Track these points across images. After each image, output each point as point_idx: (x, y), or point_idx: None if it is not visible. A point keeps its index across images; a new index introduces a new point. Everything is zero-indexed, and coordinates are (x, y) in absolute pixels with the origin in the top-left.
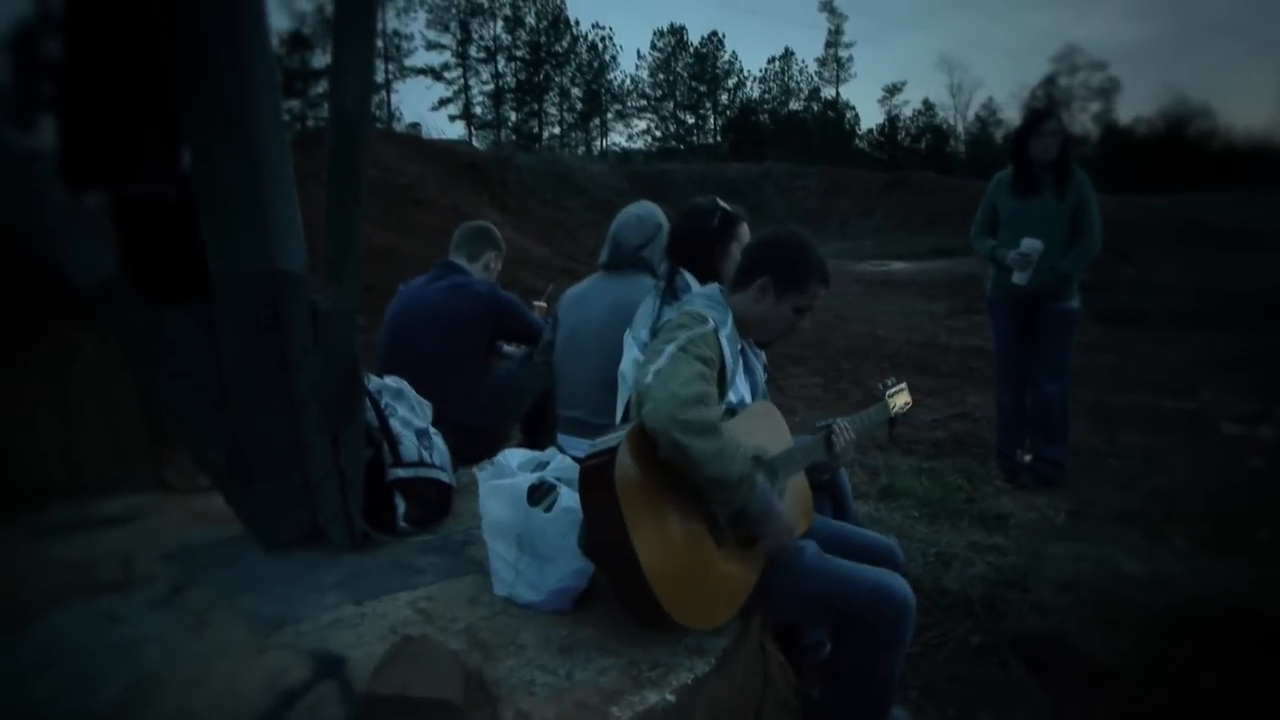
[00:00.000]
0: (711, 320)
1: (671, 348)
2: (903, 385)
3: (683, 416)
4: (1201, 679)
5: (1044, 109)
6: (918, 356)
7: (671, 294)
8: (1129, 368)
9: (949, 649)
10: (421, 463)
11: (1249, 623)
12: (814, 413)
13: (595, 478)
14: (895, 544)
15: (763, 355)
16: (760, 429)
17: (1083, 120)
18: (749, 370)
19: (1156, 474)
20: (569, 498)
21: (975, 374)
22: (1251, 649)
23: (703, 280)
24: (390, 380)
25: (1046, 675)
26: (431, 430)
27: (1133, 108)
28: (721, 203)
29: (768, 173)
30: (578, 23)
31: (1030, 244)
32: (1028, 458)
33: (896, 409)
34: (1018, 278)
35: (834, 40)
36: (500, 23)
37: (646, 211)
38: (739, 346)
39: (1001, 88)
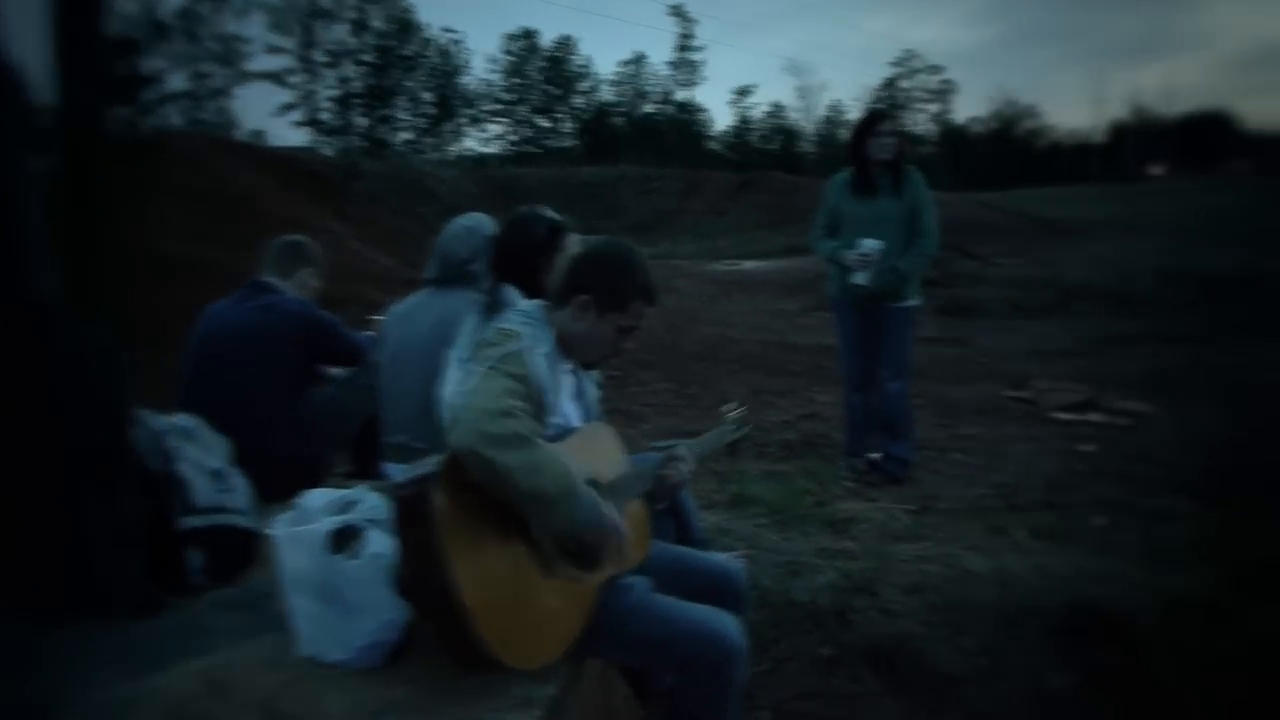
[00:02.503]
0: (526, 338)
1: (482, 367)
2: (743, 408)
3: (487, 430)
4: (1045, 676)
5: (879, 111)
6: (768, 357)
7: (494, 310)
8: (970, 360)
9: (799, 663)
10: (218, 508)
11: (1086, 616)
12: (665, 419)
13: (410, 509)
14: (738, 567)
15: (596, 376)
16: (591, 452)
17: (922, 120)
18: (579, 393)
19: (998, 466)
20: (378, 542)
21: (825, 372)
22: (1089, 642)
23: (528, 295)
24: (181, 419)
25: (895, 684)
26: (230, 469)
27: (968, 109)
28: (548, 212)
29: (623, 175)
30: (427, 26)
31: (869, 244)
32: (875, 456)
33: (736, 434)
34: (858, 278)
35: (685, 44)
36: (346, 26)
37: (475, 222)
38: (566, 367)
39: (846, 90)
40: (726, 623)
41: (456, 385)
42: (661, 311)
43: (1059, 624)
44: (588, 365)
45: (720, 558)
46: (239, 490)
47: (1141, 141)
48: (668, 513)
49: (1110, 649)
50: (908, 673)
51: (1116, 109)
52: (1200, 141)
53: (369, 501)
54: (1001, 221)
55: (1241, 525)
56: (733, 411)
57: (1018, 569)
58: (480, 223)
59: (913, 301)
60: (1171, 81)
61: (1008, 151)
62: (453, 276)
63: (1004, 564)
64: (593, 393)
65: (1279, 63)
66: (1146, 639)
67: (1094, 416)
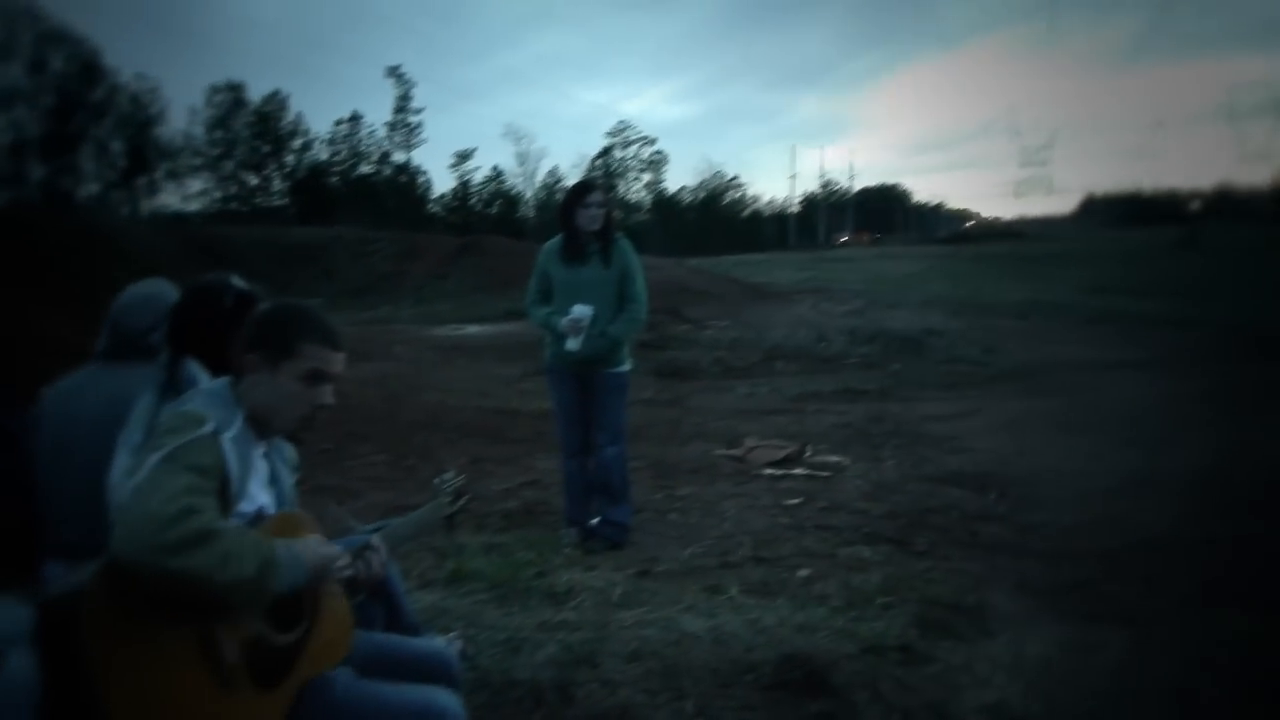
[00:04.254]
0: (211, 421)
1: (156, 458)
2: (460, 479)
3: (164, 539)
4: None
5: (587, 182)
6: (489, 424)
7: (174, 388)
8: (685, 420)
9: None
10: None
11: (795, 667)
12: (382, 493)
13: (57, 626)
14: (453, 650)
15: (293, 455)
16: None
17: (636, 188)
18: (273, 478)
19: (713, 525)
20: (18, 665)
21: (547, 438)
22: (799, 692)
23: (215, 371)
24: None
25: None
26: None
27: (679, 179)
28: (235, 280)
29: (338, 237)
30: (117, 70)
31: (580, 311)
32: (595, 522)
33: (452, 507)
34: (571, 344)
35: (403, 106)
36: (20, 66)
37: (155, 289)
38: (259, 450)
39: (564, 157)
40: (445, 699)
41: (125, 475)
42: (379, 380)
43: (771, 677)
44: (293, 437)
45: (435, 642)
46: None
47: (829, 213)
48: (376, 599)
49: (817, 697)
50: None
51: (808, 183)
52: (878, 212)
53: (9, 614)
54: (711, 286)
55: (927, 568)
56: (447, 483)
57: (732, 626)
58: (161, 290)
59: (625, 366)
60: (854, 159)
61: (715, 220)
62: (128, 349)
63: (720, 622)
64: (288, 479)
65: (939, 148)
66: (848, 684)
67: (798, 471)
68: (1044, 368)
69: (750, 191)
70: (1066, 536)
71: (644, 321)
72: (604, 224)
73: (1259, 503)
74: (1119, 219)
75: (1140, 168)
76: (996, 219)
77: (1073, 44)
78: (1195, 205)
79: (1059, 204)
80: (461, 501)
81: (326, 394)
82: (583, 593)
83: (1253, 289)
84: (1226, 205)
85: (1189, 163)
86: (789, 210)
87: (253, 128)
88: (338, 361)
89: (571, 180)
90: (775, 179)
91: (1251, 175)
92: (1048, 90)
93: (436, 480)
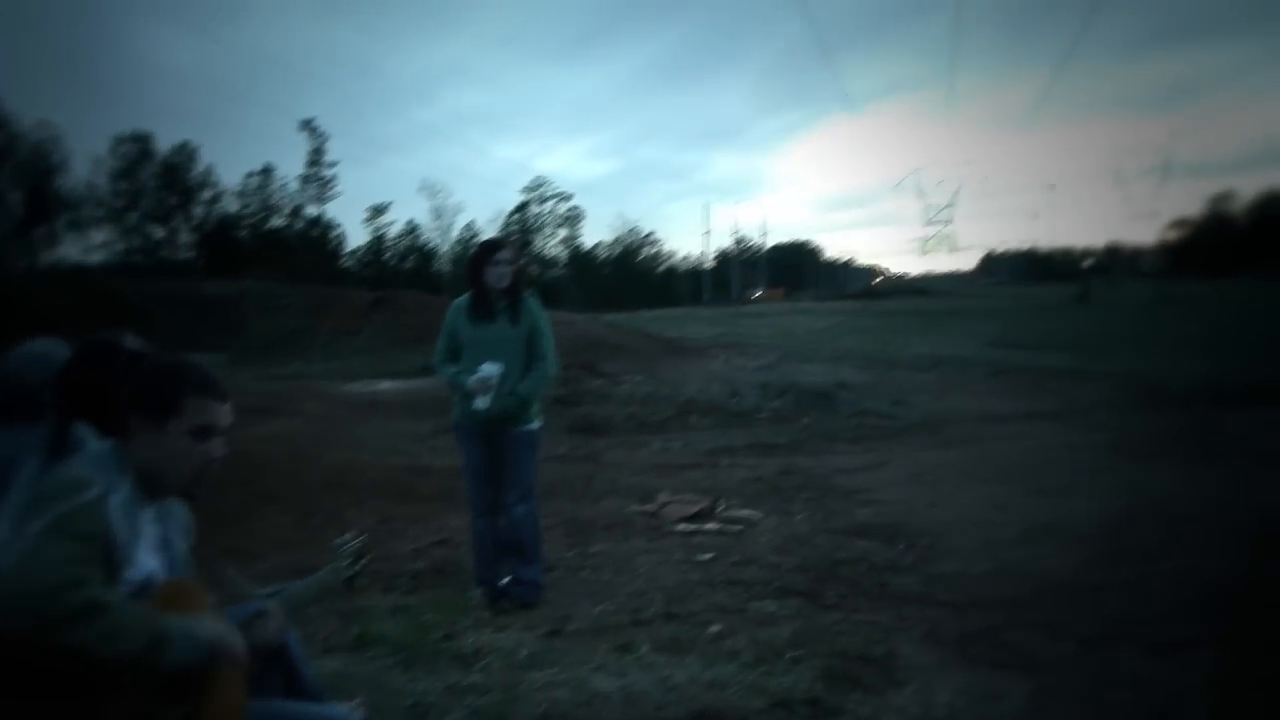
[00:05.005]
0: (97, 486)
1: (40, 525)
2: (361, 539)
3: (50, 611)
4: None
5: (496, 240)
6: (400, 482)
7: (61, 451)
8: (599, 476)
9: None
10: None
11: None
12: (287, 555)
13: None
14: (355, 717)
15: (186, 518)
16: (176, 611)
17: (552, 244)
18: (164, 542)
19: (625, 581)
20: None
21: (458, 496)
22: None
23: (107, 433)
24: None
25: None
26: None
27: (595, 234)
28: (128, 339)
29: (247, 291)
30: (16, 117)
31: (488, 369)
32: (505, 582)
33: (352, 569)
34: (479, 403)
35: (317, 159)
36: None
37: (48, 348)
38: (148, 513)
39: (480, 212)
40: None
41: (6, 544)
42: (286, 438)
43: None
44: (186, 495)
45: (337, 709)
46: None
47: (743, 268)
48: (274, 666)
49: None
50: None
51: (722, 239)
52: (790, 268)
53: None
54: (626, 341)
55: (836, 620)
56: (347, 545)
57: (643, 684)
58: (52, 349)
59: (535, 424)
60: (767, 216)
61: (631, 275)
62: (16, 410)
63: (630, 681)
64: (180, 543)
65: (849, 206)
66: None
67: (710, 526)
68: (950, 419)
69: (665, 247)
70: (973, 585)
71: (553, 379)
72: (512, 281)
73: (1152, 546)
74: (1018, 275)
75: (1037, 226)
76: (904, 275)
77: (972, 109)
78: (1088, 262)
79: (962, 261)
80: (362, 563)
81: (216, 447)
82: (492, 654)
83: (1142, 342)
84: (1116, 262)
85: (1082, 222)
86: (703, 266)
87: (160, 179)
88: (224, 413)
89: (487, 235)
90: (690, 235)
91: (1138, 234)
92: (949, 152)
93: (336, 542)
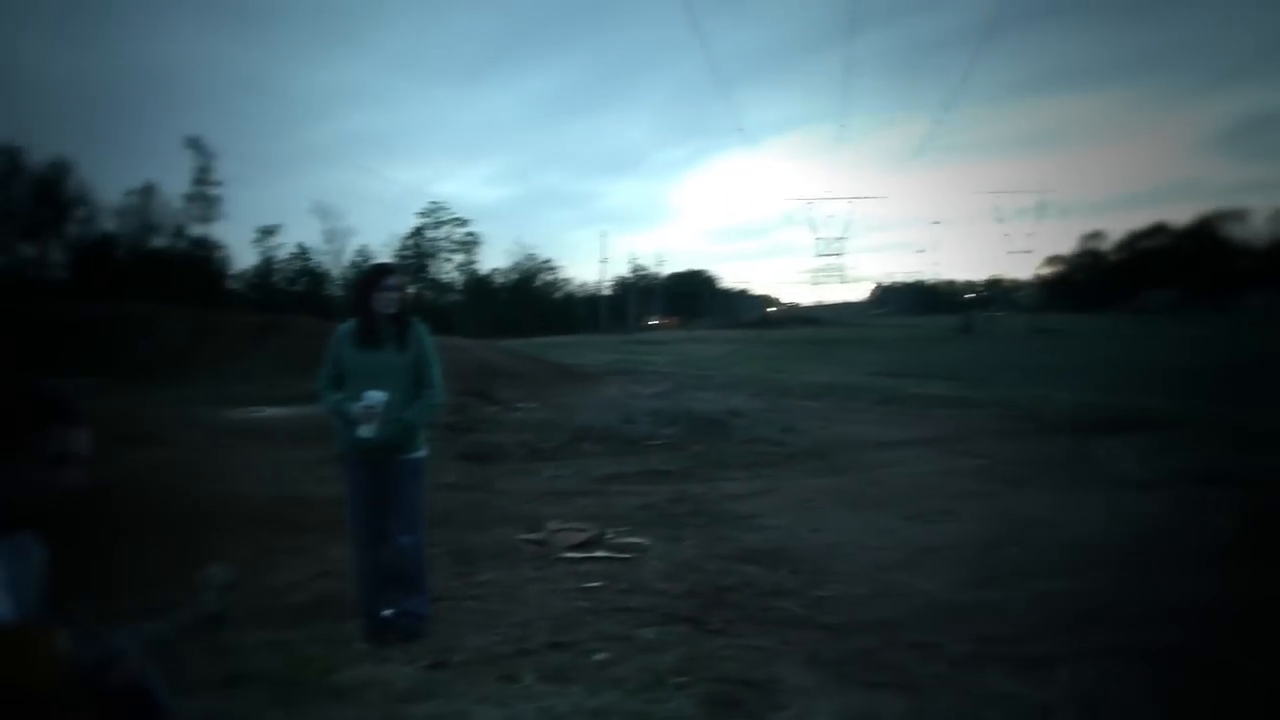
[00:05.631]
0: None
1: None
2: (231, 571)
3: None
4: None
5: (384, 266)
6: (282, 512)
7: None
8: (489, 505)
9: None
10: None
11: None
12: (156, 592)
13: None
14: None
15: (39, 553)
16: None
17: (449, 269)
18: (13, 580)
19: (511, 611)
20: None
21: (341, 526)
22: None
23: None
24: None
25: None
26: None
27: (492, 260)
28: None
29: (125, 313)
30: None
31: (374, 396)
32: (389, 613)
33: (219, 604)
34: (364, 431)
35: (203, 177)
36: None
37: None
38: None
39: (374, 236)
40: None
41: None
42: (163, 467)
43: None
44: (42, 528)
45: None
46: None
47: (640, 296)
48: (136, 708)
49: None
50: None
51: (619, 267)
52: (686, 296)
53: None
54: (522, 367)
55: (721, 645)
56: (216, 577)
57: (526, 715)
58: None
59: (421, 452)
60: (664, 245)
61: (528, 301)
62: None
63: (513, 712)
64: (32, 581)
65: (745, 236)
66: None
67: (599, 553)
68: (838, 446)
69: (563, 274)
70: (853, 608)
71: (441, 407)
72: (400, 307)
73: (1021, 568)
74: (905, 306)
75: (924, 260)
76: (797, 304)
77: (862, 146)
78: (971, 295)
79: (853, 292)
80: (230, 597)
81: (73, 476)
82: (371, 688)
83: (1017, 371)
84: (997, 295)
85: (965, 257)
86: (601, 293)
87: (32, 194)
88: (81, 440)
89: (382, 259)
90: (588, 262)
91: (1017, 269)
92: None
93: (204, 574)
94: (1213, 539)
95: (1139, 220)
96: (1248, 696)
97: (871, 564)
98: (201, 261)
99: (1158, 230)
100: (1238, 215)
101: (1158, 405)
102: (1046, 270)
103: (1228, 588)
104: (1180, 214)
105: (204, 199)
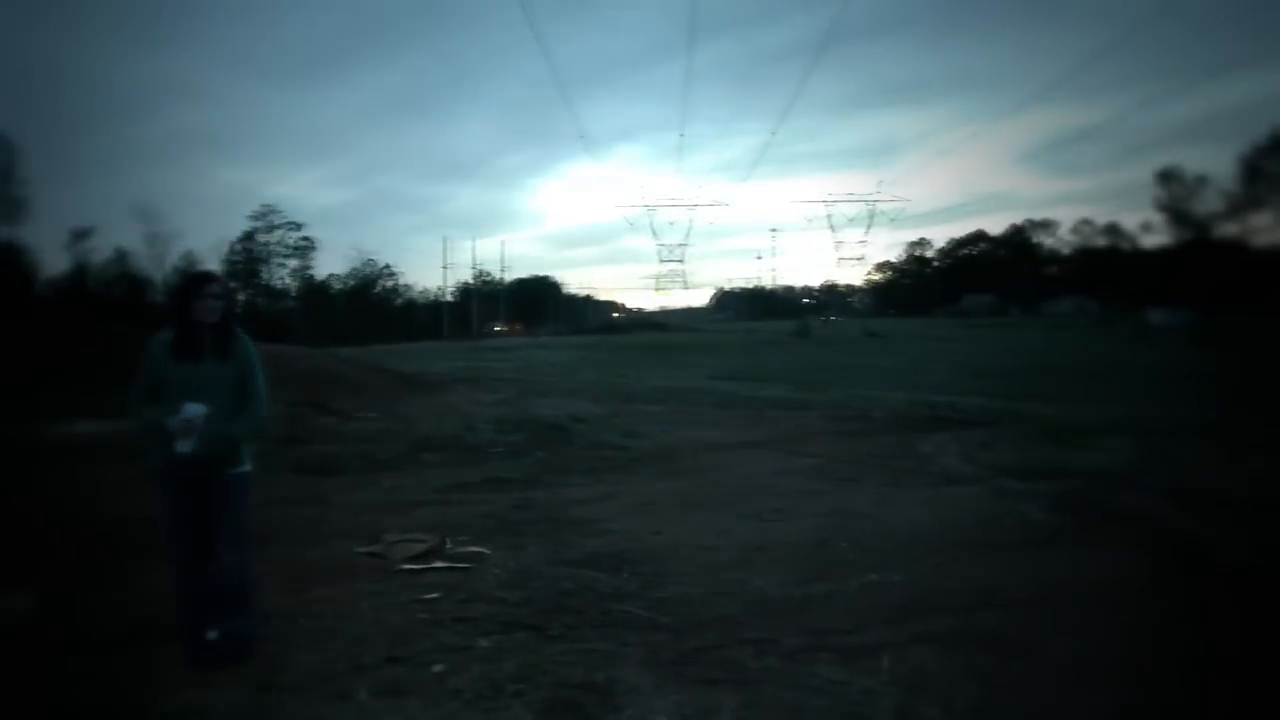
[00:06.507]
0: None
1: None
2: (29, 598)
3: None
4: None
5: (206, 272)
6: (98, 532)
7: None
8: (325, 518)
9: None
10: None
11: None
12: None
13: None
14: None
15: None
16: None
17: (283, 275)
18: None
19: (346, 627)
20: None
21: (162, 546)
22: None
23: None
24: None
25: None
26: None
27: (329, 266)
28: None
29: None
30: None
31: (192, 409)
32: (214, 635)
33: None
34: (182, 446)
35: (5, 175)
36: None
37: None
38: None
39: (202, 240)
40: None
41: None
42: None
43: None
44: None
45: None
46: None
47: (484, 302)
48: None
49: None
50: None
51: (463, 273)
52: (531, 302)
53: None
54: (361, 376)
55: (562, 651)
56: (14, 604)
57: None
58: None
59: (245, 467)
60: (508, 250)
61: (367, 308)
62: None
63: None
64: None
65: (590, 242)
66: None
67: (438, 564)
68: (679, 450)
69: (404, 280)
70: (692, 607)
71: (264, 420)
72: (223, 316)
73: (850, 562)
74: (746, 312)
75: (763, 267)
76: (641, 310)
77: (703, 154)
78: (807, 300)
79: (695, 297)
80: (29, 625)
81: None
82: (195, 715)
83: (850, 373)
84: (831, 300)
85: (802, 264)
86: (443, 299)
87: None
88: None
89: (211, 264)
90: (430, 268)
91: (850, 276)
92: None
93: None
94: (1025, 528)
95: (960, 229)
96: (1048, 674)
97: (710, 564)
98: (4, 267)
99: (977, 238)
100: (1046, 225)
101: (978, 403)
102: (877, 276)
103: (1037, 573)
104: (996, 223)
105: (6, 199)
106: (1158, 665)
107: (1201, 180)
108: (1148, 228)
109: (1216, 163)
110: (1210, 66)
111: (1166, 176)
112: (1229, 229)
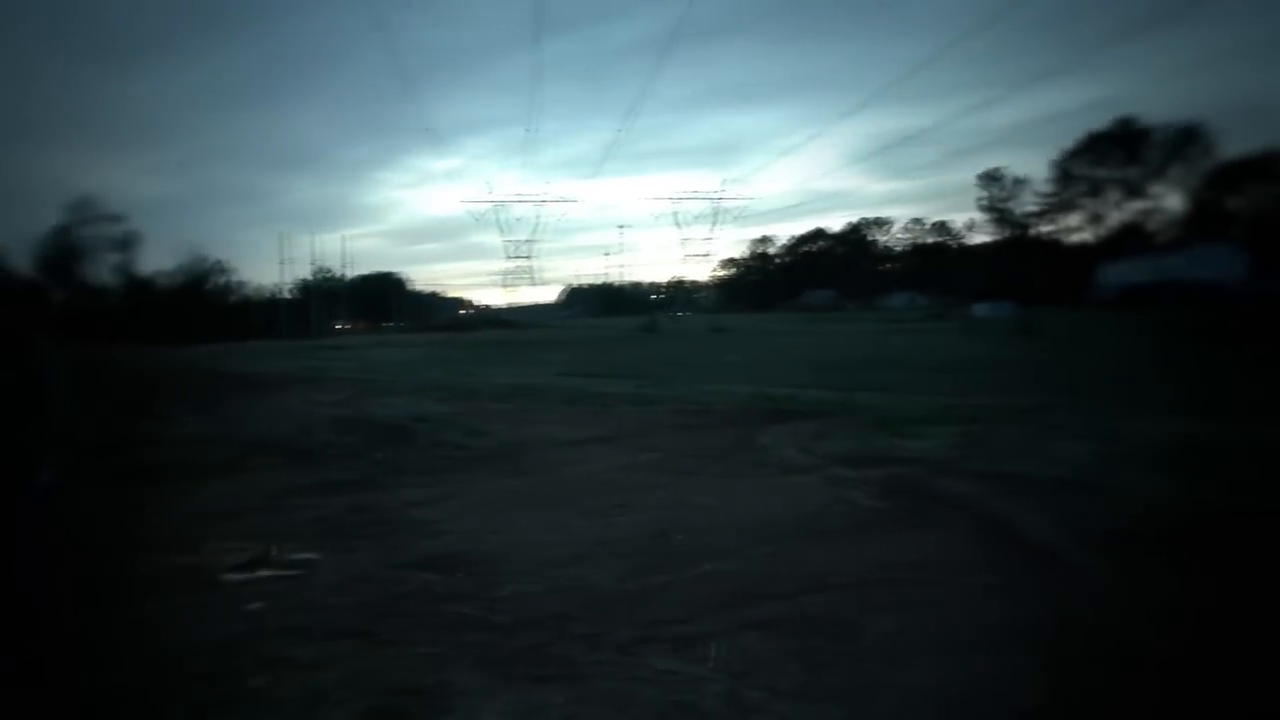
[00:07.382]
0: None
1: None
2: None
3: None
4: None
5: None
6: None
7: None
8: (143, 529)
9: None
10: None
11: None
12: None
13: None
14: None
15: None
16: None
17: (104, 271)
18: None
19: (161, 642)
20: None
21: None
22: None
23: None
24: None
25: None
26: None
27: (155, 261)
28: None
29: None
30: None
31: None
32: None
33: None
34: None
35: None
36: None
37: None
38: None
39: (5, 232)
40: None
41: None
42: None
43: None
44: None
45: None
46: None
47: (325, 299)
48: None
49: None
50: None
51: (302, 269)
52: (375, 299)
53: None
54: (189, 378)
55: (392, 656)
56: None
57: None
58: None
59: (40, 479)
60: (351, 246)
61: (199, 306)
62: None
63: None
64: None
65: (436, 238)
66: None
67: (264, 572)
68: (522, 448)
69: (239, 277)
70: (527, 606)
71: (63, 428)
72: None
73: (685, 554)
74: (594, 308)
75: (610, 263)
76: (489, 306)
77: (550, 150)
78: (655, 296)
79: (544, 294)
80: None
81: None
82: None
83: (695, 368)
84: (678, 296)
85: (649, 260)
86: (281, 297)
87: None
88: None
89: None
90: (267, 264)
91: (696, 272)
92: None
93: None
94: (854, 514)
95: (801, 227)
96: (868, 652)
97: (548, 560)
98: None
99: (817, 236)
100: (881, 223)
101: (815, 395)
102: (723, 272)
103: (863, 556)
104: (835, 221)
105: None
106: (970, 638)
107: (1020, 182)
108: (972, 226)
109: (1035, 166)
110: (1029, 75)
111: (989, 178)
112: (1044, 227)
